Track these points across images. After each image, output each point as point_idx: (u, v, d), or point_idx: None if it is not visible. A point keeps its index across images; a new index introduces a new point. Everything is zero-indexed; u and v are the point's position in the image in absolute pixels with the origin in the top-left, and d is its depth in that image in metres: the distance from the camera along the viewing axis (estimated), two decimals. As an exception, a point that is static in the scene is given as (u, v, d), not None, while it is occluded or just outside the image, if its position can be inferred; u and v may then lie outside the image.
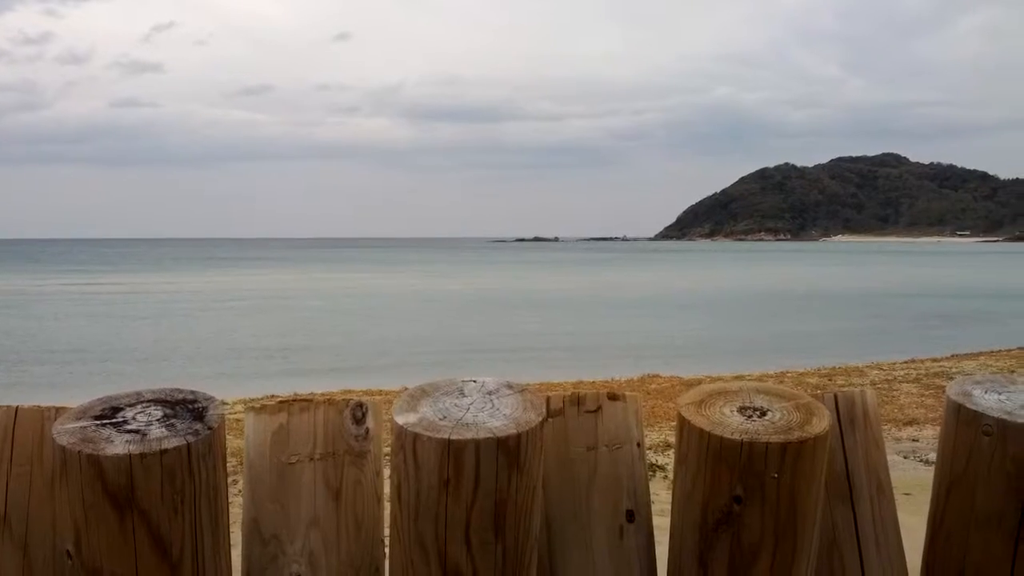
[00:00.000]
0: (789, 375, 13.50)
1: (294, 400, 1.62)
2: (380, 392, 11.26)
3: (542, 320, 32.69)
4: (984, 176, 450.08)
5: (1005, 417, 1.58)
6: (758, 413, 1.46)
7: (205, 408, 1.45)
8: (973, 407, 1.62)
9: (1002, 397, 1.65)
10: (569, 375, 15.41)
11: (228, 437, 1.62)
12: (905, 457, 7.36)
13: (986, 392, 1.67)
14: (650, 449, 7.40)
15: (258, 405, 1.66)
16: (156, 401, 1.45)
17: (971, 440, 1.62)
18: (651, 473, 6.26)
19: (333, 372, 18.50)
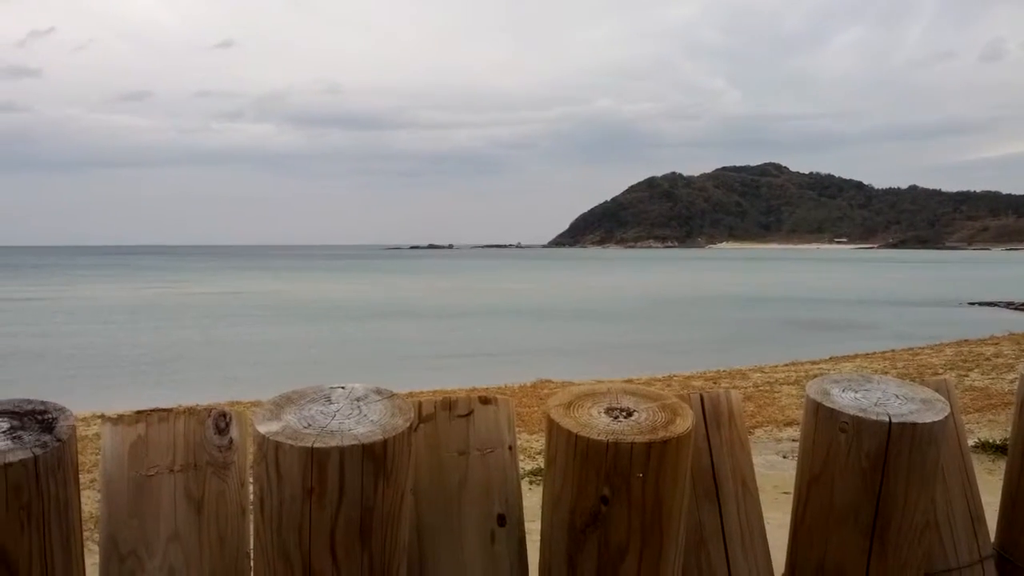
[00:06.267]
0: (676, 378, 13.79)
1: (152, 410, 1.56)
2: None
3: (443, 327, 32.63)
4: (860, 185, 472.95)
5: (860, 414, 1.64)
6: (624, 414, 1.48)
7: (55, 419, 1.38)
8: (831, 405, 1.68)
9: (858, 395, 1.72)
10: (464, 382, 15.41)
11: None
12: (784, 457, 7.59)
13: (843, 391, 1.74)
14: (539, 454, 7.44)
15: (115, 415, 1.59)
16: (2, 412, 1.38)
17: (829, 437, 1.68)
18: (539, 478, 6.29)
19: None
